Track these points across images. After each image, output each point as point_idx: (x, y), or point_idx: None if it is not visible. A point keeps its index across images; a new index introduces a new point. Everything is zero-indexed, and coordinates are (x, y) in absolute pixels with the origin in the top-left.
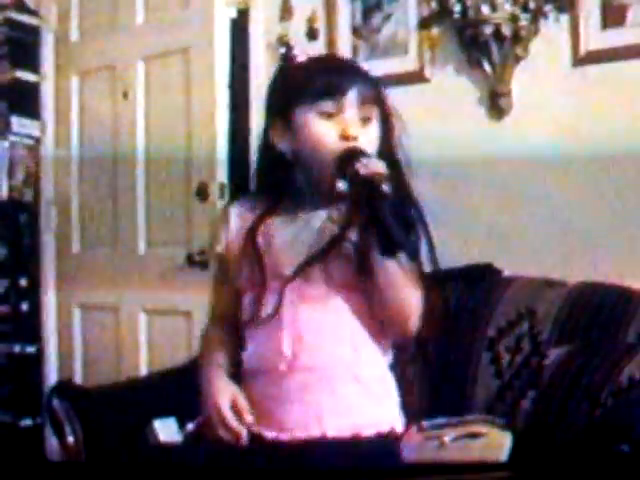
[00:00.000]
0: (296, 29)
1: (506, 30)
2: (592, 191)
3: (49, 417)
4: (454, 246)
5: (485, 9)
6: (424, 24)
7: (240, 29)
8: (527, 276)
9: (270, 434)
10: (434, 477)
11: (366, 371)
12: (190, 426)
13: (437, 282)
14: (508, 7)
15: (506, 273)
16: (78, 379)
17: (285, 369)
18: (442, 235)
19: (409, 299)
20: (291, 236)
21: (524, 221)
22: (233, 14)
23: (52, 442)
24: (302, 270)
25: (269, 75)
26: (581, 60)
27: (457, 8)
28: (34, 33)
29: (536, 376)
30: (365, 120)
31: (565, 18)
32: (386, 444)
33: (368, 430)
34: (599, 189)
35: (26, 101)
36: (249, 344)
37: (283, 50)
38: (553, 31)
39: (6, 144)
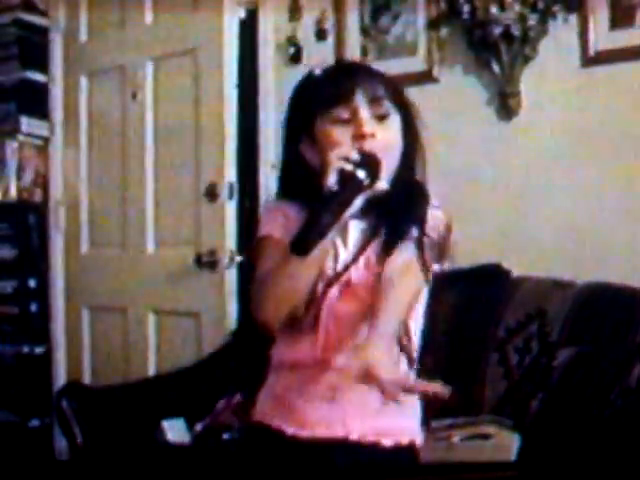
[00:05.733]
0: (305, 29)
1: (515, 30)
2: (601, 191)
3: (58, 418)
4: (463, 246)
5: (494, 9)
6: (433, 24)
7: (249, 29)
8: (536, 276)
9: (290, 429)
10: (442, 477)
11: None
12: (199, 426)
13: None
14: (517, 7)
15: (515, 273)
16: (87, 380)
17: (318, 368)
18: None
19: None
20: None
21: (533, 221)
22: (242, 14)
23: (61, 443)
24: (340, 276)
25: (278, 75)
26: (590, 60)
27: (466, 8)
28: (43, 33)
29: (545, 377)
30: (381, 117)
31: (574, 18)
32: (403, 455)
33: (388, 438)
34: (608, 189)
35: (35, 101)
36: (284, 339)
37: (292, 50)
38: (562, 31)
39: (15, 144)
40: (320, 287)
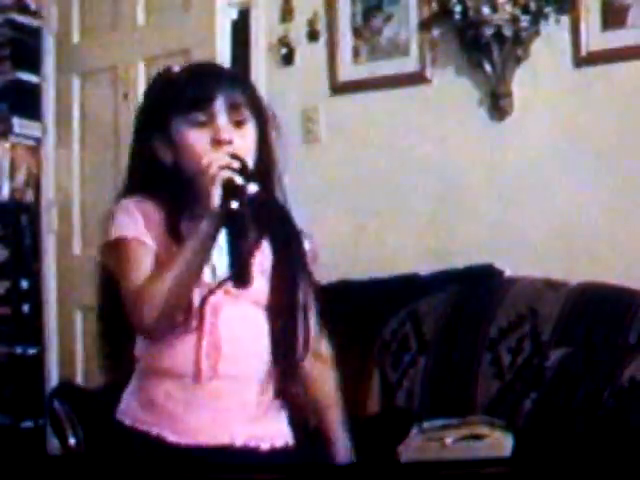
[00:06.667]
0: (297, 30)
1: (507, 31)
2: (593, 191)
3: (50, 419)
4: (455, 247)
5: (486, 10)
6: (425, 25)
7: (241, 30)
8: (529, 277)
9: (171, 437)
10: (434, 475)
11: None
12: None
13: None
14: (509, 8)
15: (508, 274)
16: (79, 381)
17: (202, 376)
18: (444, 236)
19: None
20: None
21: (525, 222)
22: (234, 15)
23: (53, 444)
24: (222, 284)
25: (270, 76)
26: (582, 61)
27: (458, 9)
28: (35, 34)
29: (537, 377)
30: (238, 123)
31: (565, 19)
32: (279, 458)
33: (266, 442)
34: (600, 189)
35: (27, 102)
36: (157, 344)
37: (284, 51)
38: (554, 32)
39: (7, 145)
40: (198, 294)
